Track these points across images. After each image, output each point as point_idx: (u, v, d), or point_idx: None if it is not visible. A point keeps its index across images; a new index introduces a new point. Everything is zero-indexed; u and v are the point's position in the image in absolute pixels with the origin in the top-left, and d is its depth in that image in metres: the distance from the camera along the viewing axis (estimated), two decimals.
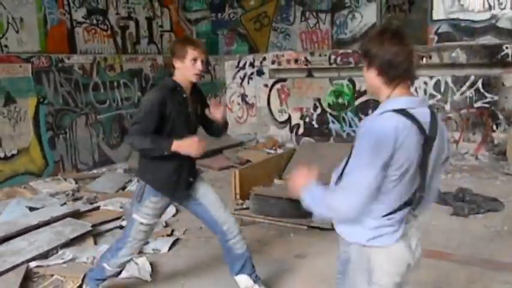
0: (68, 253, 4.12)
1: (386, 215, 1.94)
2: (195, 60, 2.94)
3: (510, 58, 7.29)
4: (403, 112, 1.85)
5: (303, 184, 2.08)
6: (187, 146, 2.90)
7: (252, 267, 3.39)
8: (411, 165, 1.86)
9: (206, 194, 3.28)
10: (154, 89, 3.09)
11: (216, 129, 3.36)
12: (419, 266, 2.09)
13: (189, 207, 3.32)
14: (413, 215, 2.01)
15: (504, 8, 7.51)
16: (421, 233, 2.08)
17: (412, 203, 1.96)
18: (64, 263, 4.02)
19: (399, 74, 1.91)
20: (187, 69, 2.96)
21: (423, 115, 1.89)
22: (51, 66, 6.99)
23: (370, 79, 1.99)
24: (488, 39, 7.69)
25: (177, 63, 2.99)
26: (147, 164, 3.08)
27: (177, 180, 3.10)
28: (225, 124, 3.37)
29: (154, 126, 2.90)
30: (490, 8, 7.62)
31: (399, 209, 1.94)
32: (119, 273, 3.38)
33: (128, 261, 3.32)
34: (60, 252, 4.16)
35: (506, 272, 3.83)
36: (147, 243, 3.60)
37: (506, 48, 7.27)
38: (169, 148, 2.87)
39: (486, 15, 7.67)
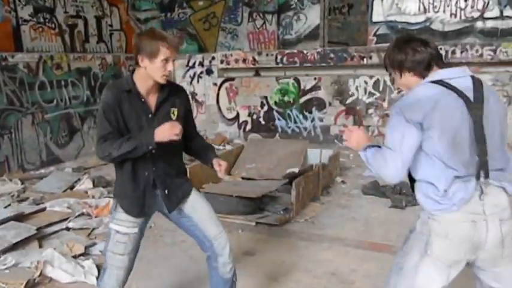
0: (11, 259, 3.79)
1: (449, 186, 1.90)
2: (166, 60, 2.36)
3: (443, 59, 7.40)
4: (438, 82, 1.95)
5: (360, 140, 2.16)
6: (162, 131, 2.35)
7: None
8: (457, 129, 1.88)
9: (195, 206, 2.67)
10: (106, 88, 2.48)
11: (201, 157, 2.79)
12: (498, 246, 1.93)
13: (177, 221, 2.71)
14: (483, 189, 1.89)
15: (438, 11, 7.67)
16: (505, 211, 1.92)
17: (477, 174, 1.89)
18: (6, 269, 3.70)
19: (427, 63, 2.03)
20: (156, 70, 2.37)
21: (463, 83, 1.94)
22: None
23: (408, 82, 2.10)
24: None
25: (144, 62, 2.36)
26: (117, 177, 2.60)
27: (143, 200, 2.54)
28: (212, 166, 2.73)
29: (114, 129, 2.41)
30: (425, 11, 7.76)
31: (462, 179, 1.89)
32: None
33: None
34: (1, 258, 3.82)
35: None
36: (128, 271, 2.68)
37: (440, 49, 7.35)
38: (153, 139, 2.34)
39: (421, 18, 7.81)
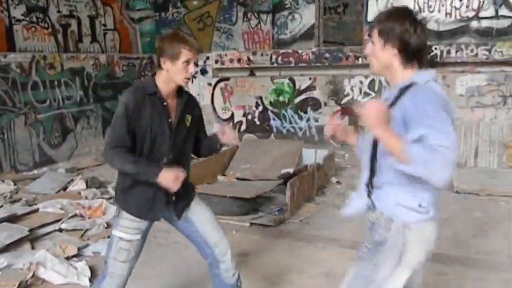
0: (3, 260, 3.78)
1: (434, 198, 1.94)
2: (188, 62, 2.41)
3: (438, 58, 7.44)
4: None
5: (378, 119, 1.72)
6: (171, 180, 2.36)
7: None
8: None
9: (197, 212, 2.68)
10: (128, 91, 2.47)
11: (210, 147, 2.80)
12: None
13: (178, 226, 2.72)
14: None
15: (433, 11, 7.68)
16: None
17: None
18: None
19: (420, 54, 1.91)
20: (178, 72, 2.41)
21: None
22: None
23: (383, 56, 1.94)
24: None
25: (167, 64, 2.41)
26: (121, 181, 2.56)
27: (153, 203, 2.53)
28: (215, 151, 2.85)
29: (129, 135, 2.39)
30: (420, 10, 7.76)
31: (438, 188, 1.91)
32: None
33: None
34: None
35: (439, 262, 3.82)
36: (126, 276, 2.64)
37: (435, 49, 7.41)
38: (156, 177, 2.36)
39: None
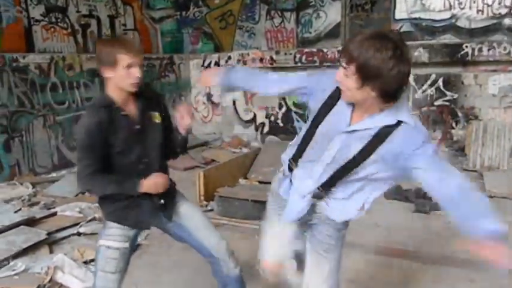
0: (20, 264, 3.85)
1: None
2: (129, 66, 2.29)
3: (470, 57, 7.34)
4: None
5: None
6: (153, 184, 2.41)
7: None
8: None
9: (189, 218, 2.68)
10: (85, 114, 2.39)
11: (178, 145, 2.69)
12: None
13: (169, 231, 2.72)
14: None
15: (464, 8, 7.58)
16: None
17: None
18: (16, 274, 3.76)
19: (402, 90, 1.84)
20: (121, 79, 2.31)
21: None
22: (4, 66, 6.58)
23: (358, 95, 1.83)
24: (448, 38, 7.75)
25: (107, 72, 2.32)
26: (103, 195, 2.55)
27: (138, 210, 2.51)
28: (186, 142, 2.72)
29: (101, 157, 2.35)
30: (450, 7, 7.67)
31: None
32: None
33: None
34: (11, 263, 3.89)
35: (470, 269, 3.76)
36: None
37: (466, 47, 7.31)
38: (138, 189, 2.39)
39: (446, 15, 7.72)
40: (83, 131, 2.33)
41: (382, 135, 1.89)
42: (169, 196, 2.61)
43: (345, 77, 1.81)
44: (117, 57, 2.27)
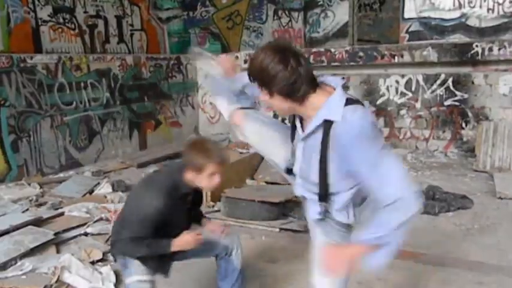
0: (28, 264, 3.87)
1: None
2: (213, 174, 2.48)
3: (480, 56, 7.30)
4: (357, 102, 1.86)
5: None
6: (185, 243, 2.57)
7: None
8: None
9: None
10: (161, 192, 2.49)
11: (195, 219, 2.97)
12: None
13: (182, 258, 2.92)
14: None
15: (474, 7, 7.55)
16: None
17: None
18: (23, 274, 3.78)
19: (304, 90, 1.83)
20: (201, 181, 2.51)
21: None
22: (12, 66, 6.62)
23: (278, 105, 1.91)
24: (458, 38, 7.72)
25: (191, 174, 2.50)
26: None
27: (161, 262, 2.73)
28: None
29: (152, 231, 2.51)
30: (460, 6, 7.65)
31: None
32: None
33: None
34: (19, 263, 3.91)
35: (479, 272, 3.75)
36: None
37: (476, 46, 7.27)
38: (170, 250, 2.56)
39: (456, 14, 7.70)
40: (152, 210, 2.45)
41: (325, 140, 1.85)
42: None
43: (263, 97, 1.92)
44: (206, 166, 2.44)
